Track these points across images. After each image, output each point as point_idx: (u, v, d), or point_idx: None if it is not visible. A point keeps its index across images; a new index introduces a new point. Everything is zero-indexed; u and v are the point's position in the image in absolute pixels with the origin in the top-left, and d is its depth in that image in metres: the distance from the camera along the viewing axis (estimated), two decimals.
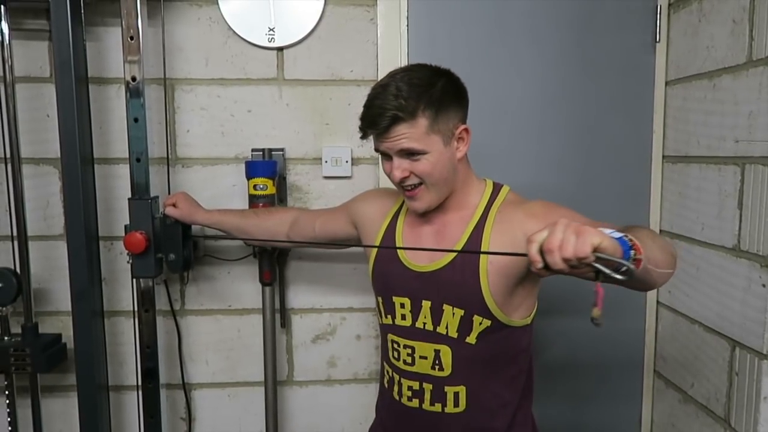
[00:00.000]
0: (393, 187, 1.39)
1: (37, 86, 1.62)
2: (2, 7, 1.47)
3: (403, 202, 1.27)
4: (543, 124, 1.75)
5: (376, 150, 1.14)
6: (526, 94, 1.74)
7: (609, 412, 1.86)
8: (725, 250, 1.48)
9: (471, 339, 1.13)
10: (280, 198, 1.66)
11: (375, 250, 1.25)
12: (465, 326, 1.13)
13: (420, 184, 1.12)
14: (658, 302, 1.81)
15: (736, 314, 1.44)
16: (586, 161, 1.77)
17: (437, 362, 1.15)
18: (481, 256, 1.10)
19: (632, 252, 0.82)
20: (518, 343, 1.18)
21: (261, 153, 1.65)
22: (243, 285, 1.72)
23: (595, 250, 0.78)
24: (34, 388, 1.61)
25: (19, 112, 1.53)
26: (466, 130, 1.14)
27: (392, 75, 1.12)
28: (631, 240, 0.83)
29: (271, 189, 1.57)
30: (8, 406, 1.61)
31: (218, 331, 1.74)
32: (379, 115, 1.06)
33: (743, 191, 1.41)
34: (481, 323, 1.12)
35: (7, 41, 1.49)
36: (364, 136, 1.12)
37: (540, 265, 0.81)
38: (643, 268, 0.84)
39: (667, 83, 1.74)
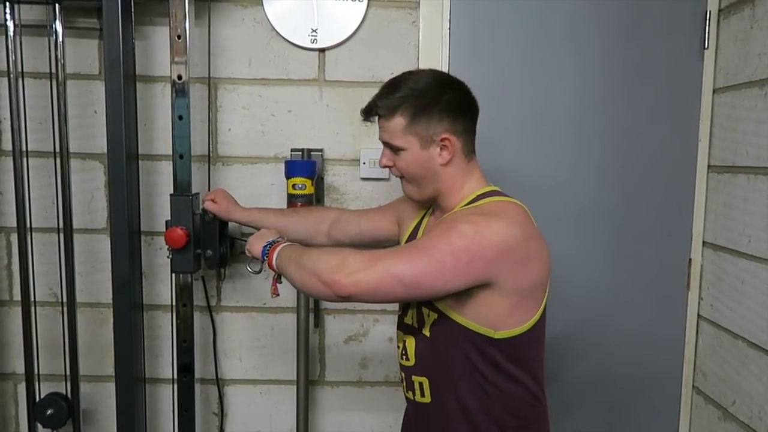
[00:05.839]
0: None
1: (85, 83, 1.66)
2: (57, 6, 1.52)
3: None
4: (583, 130, 1.73)
5: None
6: (567, 99, 1.72)
7: (645, 427, 1.82)
8: None
9: (426, 331, 1.16)
10: (317, 198, 1.67)
11: (404, 241, 1.32)
12: (420, 318, 1.18)
13: (403, 176, 1.21)
14: (699, 316, 1.76)
15: None
16: (627, 169, 1.74)
17: (405, 353, 1.22)
18: None
19: (264, 260, 1.25)
20: (481, 352, 1.12)
21: (300, 153, 1.67)
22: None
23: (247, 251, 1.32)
24: None
25: (68, 108, 1.58)
26: (447, 139, 1.15)
27: (403, 74, 1.20)
28: (268, 253, 1.23)
29: (309, 189, 1.58)
30: None
31: (252, 329, 1.76)
32: (368, 107, 1.19)
33: None
34: (429, 315, 1.15)
35: (60, 40, 1.54)
36: (364, 120, 1.23)
37: None
38: (279, 272, 1.21)
39: (714, 91, 1.70)
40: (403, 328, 1.24)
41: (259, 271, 1.41)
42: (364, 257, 1.04)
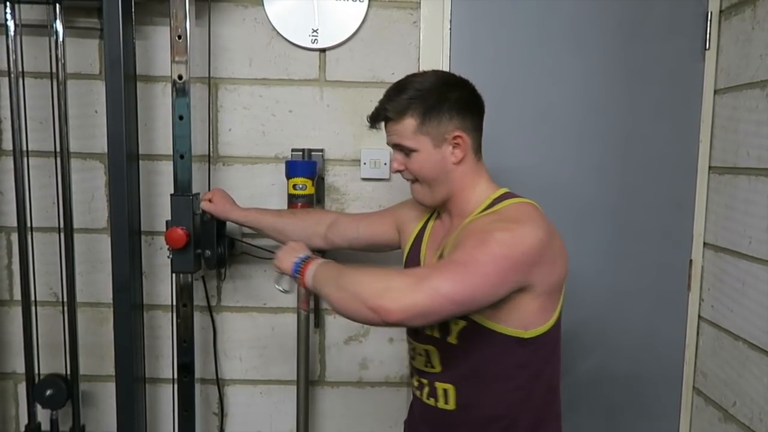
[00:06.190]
0: None
1: (86, 83, 1.66)
2: (57, 6, 1.52)
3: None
4: (584, 130, 1.73)
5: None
6: (568, 100, 1.72)
7: (645, 427, 1.81)
8: None
9: (452, 339, 1.15)
10: (318, 198, 1.67)
11: (407, 250, 1.31)
12: (444, 326, 1.15)
13: (416, 180, 1.20)
14: (699, 317, 1.76)
15: None
16: (628, 170, 1.74)
17: (429, 361, 1.21)
18: None
19: (297, 277, 1.17)
20: (511, 354, 1.14)
21: (301, 153, 1.67)
22: None
23: (275, 267, 1.23)
24: None
25: (69, 108, 1.58)
26: (460, 137, 1.15)
27: (406, 77, 1.20)
28: (301, 271, 1.15)
29: (310, 189, 1.58)
30: None
31: (253, 329, 1.76)
32: (375, 112, 1.19)
33: None
34: (456, 323, 1.14)
35: (61, 39, 1.54)
36: (370, 128, 1.23)
37: None
38: (313, 291, 1.15)
39: (715, 92, 1.69)
40: (418, 337, 1.22)
41: (290, 290, 1.27)
42: (408, 279, 1.01)
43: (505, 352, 1.13)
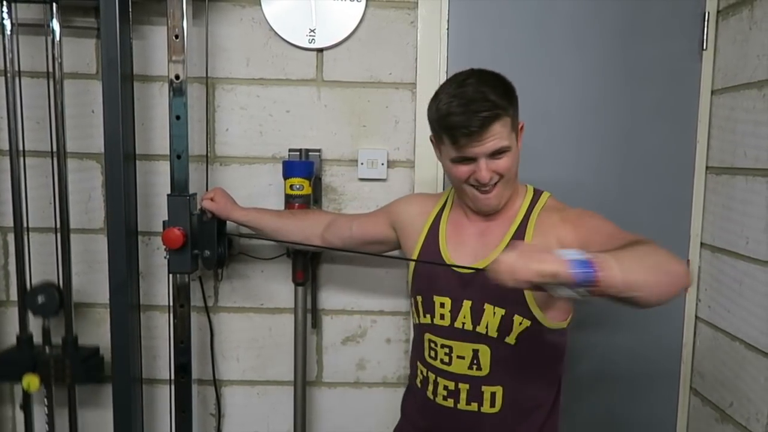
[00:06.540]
0: (429, 192, 1.40)
1: (83, 83, 1.66)
2: (54, 5, 1.51)
3: (444, 204, 1.30)
4: (583, 131, 1.73)
5: (457, 158, 1.13)
6: (567, 100, 1.72)
7: (643, 428, 1.81)
8: None
9: (510, 339, 1.15)
10: (315, 198, 1.67)
11: (418, 248, 1.27)
12: (505, 326, 1.14)
13: (498, 181, 1.15)
14: (696, 317, 1.76)
15: None
16: (626, 170, 1.74)
17: (475, 362, 1.17)
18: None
19: (593, 278, 0.86)
20: (556, 346, 1.21)
21: (298, 153, 1.66)
22: (276, 284, 1.74)
23: (541, 275, 0.86)
24: (72, 399, 1.64)
25: (65, 107, 1.57)
26: (522, 125, 1.19)
27: (460, 83, 1.11)
28: (595, 267, 0.86)
29: (307, 189, 1.58)
30: (47, 415, 1.63)
31: (250, 329, 1.76)
32: (472, 118, 1.06)
33: None
34: (521, 323, 1.14)
35: (58, 39, 1.53)
36: (456, 143, 1.10)
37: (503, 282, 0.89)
38: (623, 287, 0.87)
39: (713, 92, 1.69)
40: (463, 336, 1.17)
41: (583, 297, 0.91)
42: (663, 249, 0.97)
43: (550, 344, 1.18)
